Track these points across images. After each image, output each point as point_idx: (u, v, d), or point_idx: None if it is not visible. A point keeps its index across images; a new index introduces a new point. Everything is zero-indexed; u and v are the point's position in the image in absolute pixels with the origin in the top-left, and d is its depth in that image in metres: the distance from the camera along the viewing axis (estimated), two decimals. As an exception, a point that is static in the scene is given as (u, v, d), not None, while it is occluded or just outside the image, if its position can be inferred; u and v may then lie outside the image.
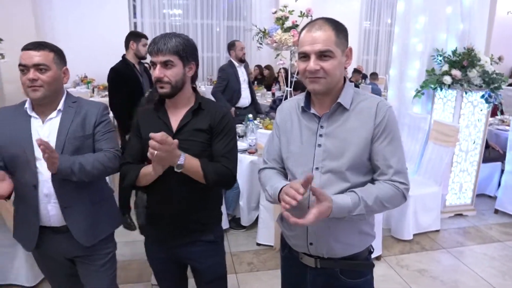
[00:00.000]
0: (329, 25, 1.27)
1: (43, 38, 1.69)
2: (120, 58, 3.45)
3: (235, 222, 3.45)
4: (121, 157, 1.69)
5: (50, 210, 1.61)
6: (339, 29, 1.28)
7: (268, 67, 8.41)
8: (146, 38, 3.47)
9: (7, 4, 6.43)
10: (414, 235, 3.49)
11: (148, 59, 1.59)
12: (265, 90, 7.39)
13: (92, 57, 6.87)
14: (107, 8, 7.74)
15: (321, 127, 1.35)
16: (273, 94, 6.88)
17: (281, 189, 1.27)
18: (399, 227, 3.46)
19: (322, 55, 1.25)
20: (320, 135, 1.35)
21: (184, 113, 1.56)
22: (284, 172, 1.49)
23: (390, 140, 1.30)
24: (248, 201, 3.38)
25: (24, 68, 1.52)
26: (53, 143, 1.56)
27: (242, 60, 4.67)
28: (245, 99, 4.74)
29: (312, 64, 1.26)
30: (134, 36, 3.44)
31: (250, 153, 3.19)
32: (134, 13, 8.63)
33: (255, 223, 3.43)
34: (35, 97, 1.53)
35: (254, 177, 3.07)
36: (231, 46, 4.65)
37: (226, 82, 4.59)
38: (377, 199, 1.27)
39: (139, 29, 8.72)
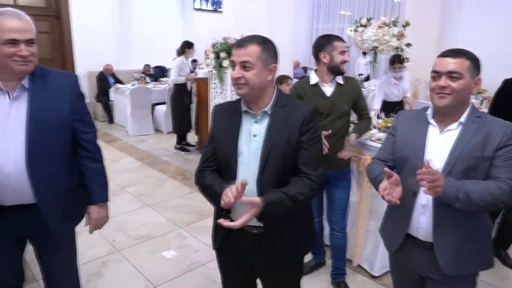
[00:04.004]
0: None
1: (443, 47, 1.58)
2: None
3: None
4: None
5: (421, 222, 1.55)
6: None
7: None
8: None
9: (418, 10, 6.88)
10: None
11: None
12: None
13: (491, 67, 6.35)
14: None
15: None
16: None
17: None
18: None
19: None
20: None
21: None
22: None
23: None
24: None
25: (436, 74, 1.49)
26: (445, 156, 1.48)
27: None
28: None
29: None
30: None
31: None
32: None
33: None
34: (440, 104, 1.48)
35: None
36: None
37: None
38: None
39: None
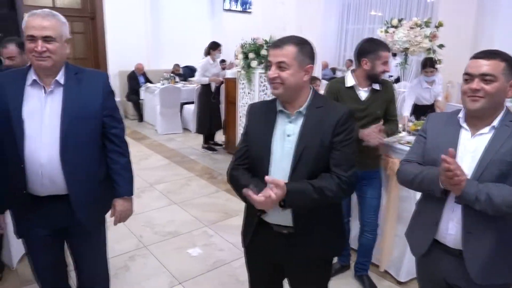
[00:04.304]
0: None
1: (478, 47, 1.52)
2: None
3: None
4: None
5: (450, 229, 1.51)
6: None
7: None
8: None
9: (452, 10, 6.69)
10: None
11: None
12: None
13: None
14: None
15: None
16: None
17: None
18: None
19: None
20: None
21: None
22: None
23: None
24: None
25: (469, 77, 1.45)
26: (475, 161, 1.43)
27: None
28: None
29: None
30: None
31: None
32: None
33: None
34: (472, 108, 1.44)
35: None
36: None
37: None
38: None
39: None
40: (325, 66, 9.29)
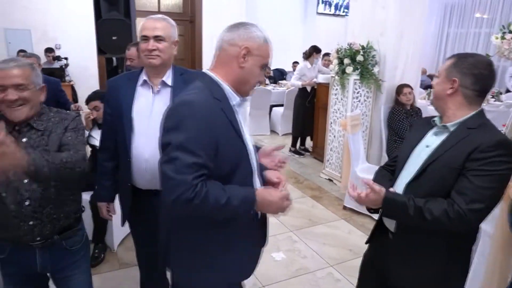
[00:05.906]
0: None
1: None
2: None
3: None
4: None
5: None
6: None
7: None
8: None
9: None
10: None
11: None
12: None
13: None
14: None
15: None
16: None
17: None
18: None
19: None
20: None
21: None
22: None
23: None
24: None
25: None
26: None
27: None
28: None
29: None
30: None
31: None
32: None
33: None
34: None
35: None
36: None
37: None
38: None
39: None
40: (423, 73, 8.72)
